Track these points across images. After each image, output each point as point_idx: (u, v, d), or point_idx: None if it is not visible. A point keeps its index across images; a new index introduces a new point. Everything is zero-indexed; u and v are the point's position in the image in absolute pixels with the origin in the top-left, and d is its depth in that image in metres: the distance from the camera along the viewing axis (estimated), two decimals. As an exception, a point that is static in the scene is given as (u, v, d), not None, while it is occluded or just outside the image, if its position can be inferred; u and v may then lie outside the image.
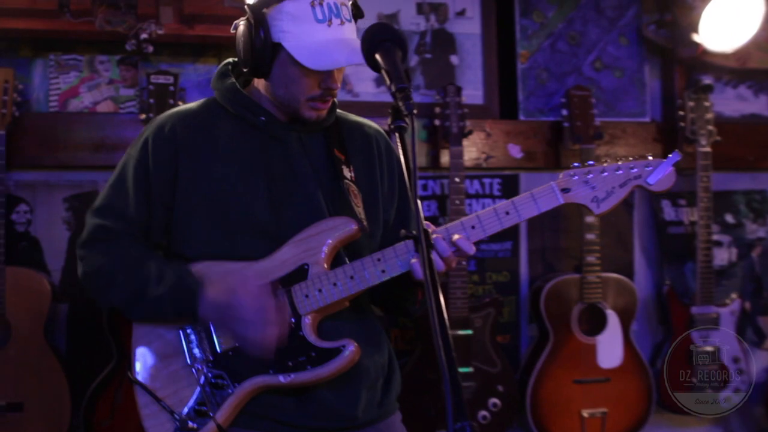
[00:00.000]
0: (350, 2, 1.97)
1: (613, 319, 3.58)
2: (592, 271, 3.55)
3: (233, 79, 2.06)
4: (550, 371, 3.56)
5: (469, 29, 3.74)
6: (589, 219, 3.51)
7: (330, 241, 1.95)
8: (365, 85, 3.63)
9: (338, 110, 2.16)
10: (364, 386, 2.01)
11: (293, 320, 1.93)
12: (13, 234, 3.27)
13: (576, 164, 2.03)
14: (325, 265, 1.94)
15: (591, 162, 2.05)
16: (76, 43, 3.38)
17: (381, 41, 1.76)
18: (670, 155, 1.99)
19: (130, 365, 1.98)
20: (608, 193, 2.01)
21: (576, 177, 1.99)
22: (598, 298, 3.56)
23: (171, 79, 3.21)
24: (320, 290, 1.92)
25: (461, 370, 3.40)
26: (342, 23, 1.92)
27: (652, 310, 3.91)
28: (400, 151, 1.64)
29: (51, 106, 3.36)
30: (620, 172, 1.99)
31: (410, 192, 1.56)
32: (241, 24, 1.97)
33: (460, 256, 1.93)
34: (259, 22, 1.91)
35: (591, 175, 2.00)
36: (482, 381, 3.47)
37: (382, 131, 2.23)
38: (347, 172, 2.05)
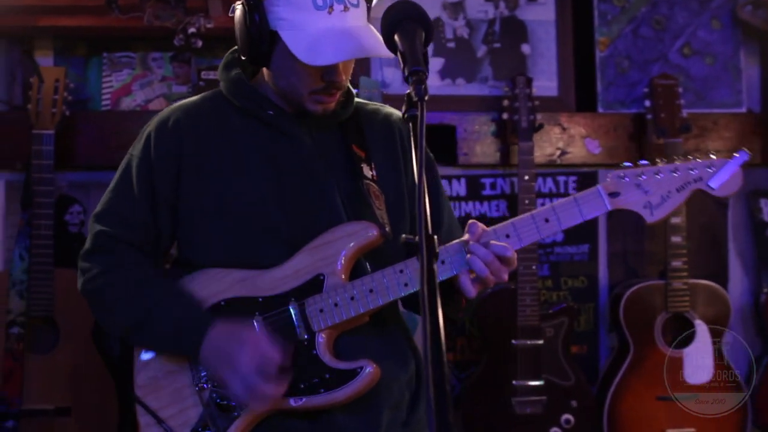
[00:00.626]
0: None
1: (702, 330, 3.24)
2: (679, 277, 3.23)
3: (239, 70, 1.86)
4: (631, 386, 3.25)
5: (542, 16, 3.47)
6: (675, 220, 3.20)
7: (348, 249, 1.75)
8: (429, 77, 3.38)
9: (357, 100, 1.95)
10: (387, 406, 1.79)
11: (306, 337, 1.73)
12: (66, 235, 3.21)
13: (627, 164, 1.79)
14: (343, 276, 1.74)
15: (644, 161, 1.80)
16: (131, 40, 3.29)
17: (401, 20, 1.56)
18: (736, 154, 1.73)
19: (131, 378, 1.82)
20: (663, 198, 1.76)
21: (627, 179, 1.75)
22: (685, 307, 3.24)
23: (222, 75, 3.08)
24: (336, 304, 1.72)
25: (531, 383, 3.16)
26: (345, 9, 1.69)
27: (748, 320, 3.54)
28: (413, 143, 1.44)
29: (104, 104, 3.28)
30: (677, 173, 1.73)
31: (416, 191, 1.33)
32: (238, 8, 1.76)
33: (502, 263, 1.70)
34: (254, 8, 1.71)
35: (644, 177, 1.75)
36: (554, 395, 3.20)
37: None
38: (367, 171, 1.84)
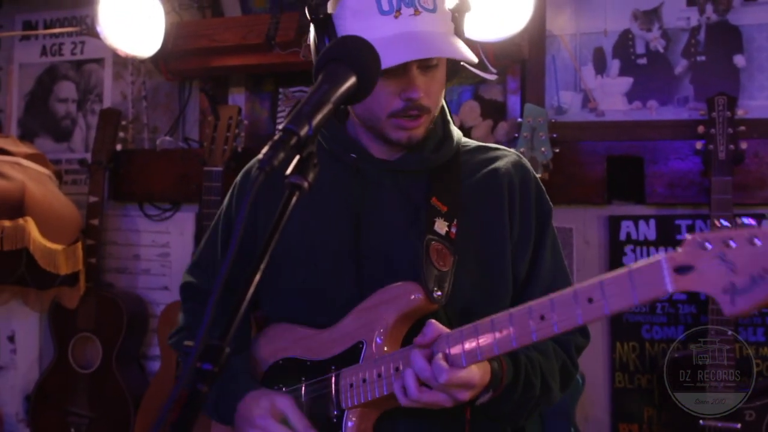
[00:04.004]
0: None
1: None
2: None
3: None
4: None
5: (762, 18, 2.79)
6: None
7: (389, 315, 1.52)
8: (613, 101, 2.93)
9: (466, 140, 1.73)
10: None
11: (335, 413, 1.54)
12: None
13: (725, 222, 1.21)
14: (385, 347, 1.52)
15: (748, 219, 1.20)
16: (310, 75, 3.28)
17: (330, 60, 1.28)
18: None
19: None
20: (755, 279, 1.15)
21: (710, 247, 1.18)
22: None
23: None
24: (364, 380, 1.50)
25: (718, 477, 2.55)
26: (416, 13, 1.50)
27: None
28: (276, 215, 1.17)
29: (277, 139, 3.32)
30: None
31: (220, 280, 1.08)
32: (311, 32, 1.61)
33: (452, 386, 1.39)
34: (322, 25, 1.55)
35: (733, 245, 1.17)
36: (749, 496, 2.55)
37: (522, 164, 1.72)
38: (441, 227, 1.59)
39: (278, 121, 3.33)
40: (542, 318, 1.31)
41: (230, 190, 1.81)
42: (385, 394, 1.47)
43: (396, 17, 1.50)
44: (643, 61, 2.90)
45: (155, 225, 3.51)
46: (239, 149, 3.16)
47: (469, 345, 1.37)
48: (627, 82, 2.91)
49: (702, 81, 2.85)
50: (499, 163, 1.69)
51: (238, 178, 1.80)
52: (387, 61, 1.39)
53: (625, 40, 2.91)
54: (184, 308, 1.86)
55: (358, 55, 1.29)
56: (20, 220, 2.98)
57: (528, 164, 1.73)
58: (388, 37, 1.48)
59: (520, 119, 2.80)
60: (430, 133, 1.66)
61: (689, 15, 2.86)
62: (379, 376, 1.48)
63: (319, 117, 1.19)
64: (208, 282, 1.80)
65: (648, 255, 2.86)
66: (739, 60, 2.82)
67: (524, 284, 1.66)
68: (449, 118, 1.73)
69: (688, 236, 1.22)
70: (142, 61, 3.38)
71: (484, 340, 1.36)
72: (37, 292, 3.36)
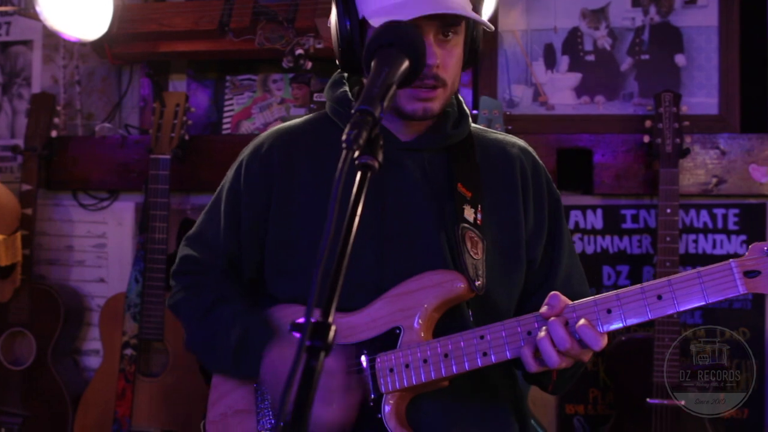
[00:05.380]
0: None
1: None
2: None
3: (346, 88, 1.70)
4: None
5: (701, 21, 2.98)
6: None
7: (429, 302, 1.53)
8: (562, 95, 3.05)
9: (475, 125, 1.74)
10: None
11: (373, 396, 1.53)
12: (187, 259, 3.23)
13: None
14: (422, 333, 1.52)
15: None
16: (257, 63, 3.25)
17: (382, 46, 1.32)
18: None
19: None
20: None
21: None
22: None
23: (333, 97, 2.93)
24: (407, 365, 1.50)
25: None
26: None
27: None
28: (353, 196, 1.17)
29: (224, 128, 3.27)
30: None
31: (335, 264, 1.08)
32: (332, 11, 1.60)
33: (583, 349, 1.44)
34: (344, 4, 1.55)
35: None
36: (696, 468, 2.72)
37: (530, 150, 1.76)
38: (469, 214, 1.61)
39: (225, 109, 3.27)
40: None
41: (236, 167, 1.76)
42: (433, 378, 1.49)
43: None
44: (591, 57, 3.04)
45: (91, 215, 3.38)
46: (186, 137, 3.09)
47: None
48: (576, 77, 3.04)
49: (646, 78, 3.01)
50: (509, 147, 1.73)
51: (246, 155, 1.75)
52: (405, 15, 1.44)
53: (574, 38, 3.03)
54: (183, 279, 1.80)
55: (409, 39, 1.32)
56: (-45, 208, 2.81)
57: (533, 151, 1.78)
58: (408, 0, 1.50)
59: (475, 111, 2.87)
60: (449, 113, 1.69)
61: (634, 15, 3.02)
62: (425, 361, 1.49)
63: (387, 98, 1.24)
64: (211, 256, 1.76)
65: (595, 243, 3.00)
66: (680, 59, 3.00)
67: (543, 272, 1.70)
68: (461, 98, 1.77)
69: (754, 246, 1.40)
70: (78, 45, 3.25)
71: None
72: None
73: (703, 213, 2.95)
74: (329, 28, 1.66)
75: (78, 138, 3.37)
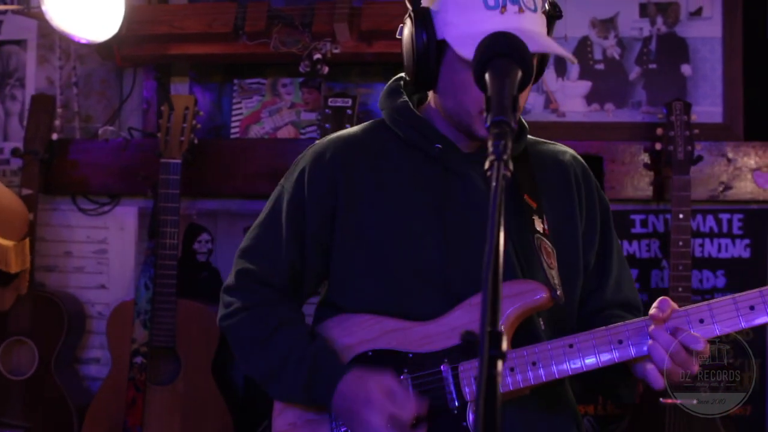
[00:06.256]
0: None
1: None
2: None
3: (405, 97, 1.69)
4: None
5: (706, 32, 3.08)
6: None
7: (512, 311, 1.53)
8: (574, 103, 3.11)
9: (529, 136, 1.75)
10: None
11: (457, 404, 1.54)
12: (194, 264, 3.19)
13: None
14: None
15: None
16: (264, 67, 3.22)
17: (493, 56, 1.31)
18: None
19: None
20: None
21: None
22: None
23: (349, 102, 2.91)
24: None
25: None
26: (521, 11, 1.51)
27: None
28: (494, 209, 1.18)
29: (233, 132, 3.23)
30: None
31: (490, 272, 1.09)
32: (406, 23, 1.61)
33: (690, 355, 1.48)
34: (421, 17, 1.56)
35: None
36: (708, 465, 2.81)
37: (580, 159, 1.79)
38: (539, 224, 1.62)
39: (234, 113, 3.23)
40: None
41: (297, 175, 1.72)
42: (521, 386, 1.50)
43: (502, 13, 1.51)
44: (600, 66, 3.11)
45: (91, 220, 3.30)
46: (196, 141, 3.04)
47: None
48: (586, 85, 3.10)
49: (653, 87, 3.10)
50: (560, 156, 1.76)
51: (307, 162, 1.71)
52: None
53: (584, 46, 3.10)
54: (240, 296, 1.72)
55: (522, 50, 1.34)
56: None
57: (581, 158, 1.82)
58: (494, 31, 1.52)
59: (491, 117, 2.90)
60: None
61: (642, 26, 3.10)
62: (512, 370, 1.51)
63: (516, 109, 1.24)
64: (270, 268, 1.71)
65: (605, 248, 3.07)
66: (686, 69, 3.09)
67: (595, 279, 1.73)
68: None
69: None
70: (76, 46, 3.17)
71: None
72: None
73: (710, 218, 3.05)
74: (401, 40, 1.64)
75: (79, 141, 3.28)
